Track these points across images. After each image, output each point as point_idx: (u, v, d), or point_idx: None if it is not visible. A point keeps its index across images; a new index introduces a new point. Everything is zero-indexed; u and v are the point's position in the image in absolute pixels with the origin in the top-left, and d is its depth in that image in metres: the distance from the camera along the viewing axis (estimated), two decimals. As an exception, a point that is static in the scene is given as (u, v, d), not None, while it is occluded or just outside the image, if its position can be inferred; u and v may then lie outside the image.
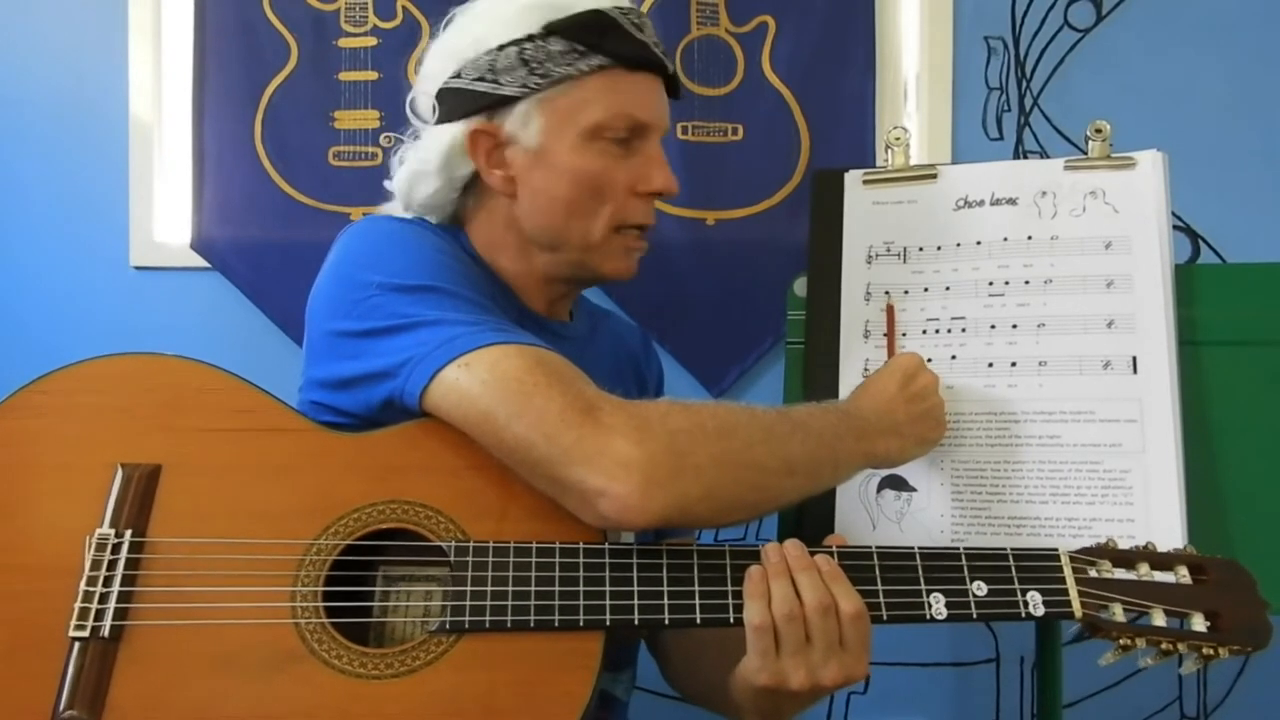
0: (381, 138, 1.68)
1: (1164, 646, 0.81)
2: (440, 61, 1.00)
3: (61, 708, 0.76)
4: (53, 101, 1.68)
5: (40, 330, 1.67)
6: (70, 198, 1.68)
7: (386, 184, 1.08)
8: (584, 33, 0.95)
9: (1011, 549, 0.86)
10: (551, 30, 0.95)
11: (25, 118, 1.68)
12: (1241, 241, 1.65)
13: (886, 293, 1.10)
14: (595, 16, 0.95)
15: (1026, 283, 1.07)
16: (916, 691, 1.69)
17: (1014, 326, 1.06)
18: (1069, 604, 0.83)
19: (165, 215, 1.68)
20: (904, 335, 1.09)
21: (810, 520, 1.03)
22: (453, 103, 0.99)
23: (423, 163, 1.01)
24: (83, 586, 0.79)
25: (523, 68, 0.95)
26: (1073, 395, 1.02)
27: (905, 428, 0.96)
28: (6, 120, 1.68)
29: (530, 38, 0.95)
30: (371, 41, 1.68)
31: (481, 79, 0.96)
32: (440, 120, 1.00)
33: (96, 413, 0.86)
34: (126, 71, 1.67)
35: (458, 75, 0.98)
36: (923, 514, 1.02)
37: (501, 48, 0.95)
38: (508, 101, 0.96)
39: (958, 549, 0.86)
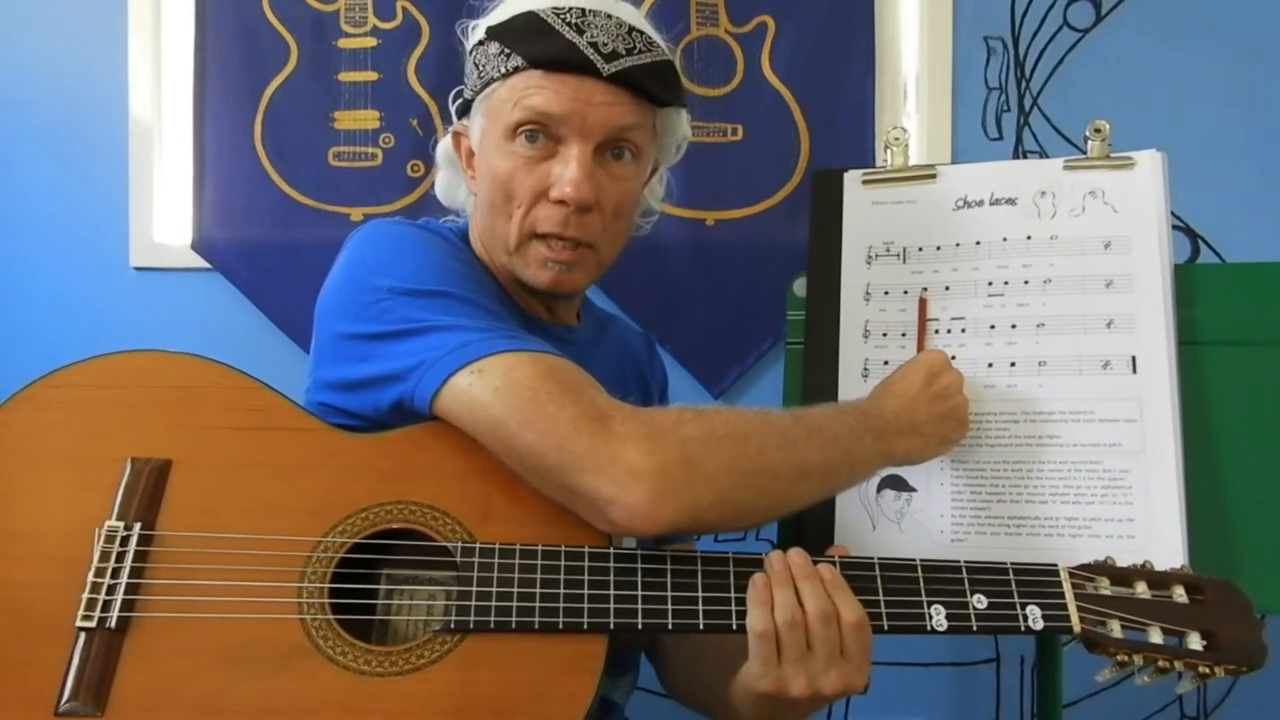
0: (381, 138, 1.68)
1: (1161, 664, 0.82)
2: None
3: (65, 698, 0.76)
4: (53, 102, 1.68)
5: (41, 331, 1.68)
6: (71, 198, 1.68)
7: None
8: (510, 35, 0.95)
9: (1012, 564, 0.86)
10: (490, 34, 0.97)
11: (26, 119, 1.68)
12: (1241, 241, 1.66)
13: (924, 288, 1.09)
14: (526, 19, 0.95)
15: (1026, 283, 1.07)
16: (916, 691, 1.70)
17: (1013, 326, 1.06)
18: (1068, 619, 0.84)
19: (165, 215, 1.68)
20: (904, 335, 1.09)
21: (810, 521, 1.03)
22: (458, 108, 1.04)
23: (438, 165, 1.07)
24: (90, 578, 0.80)
25: (475, 71, 0.98)
26: (1072, 395, 1.02)
27: (926, 427, 0.95)
28: (7, 121, 1.68)
29: (481, 43, 0.98)
30: (371, 42, 1.68)
31: (463, 85, 1.02)
32: None
33: (109, 407, 0.87)
34: (126, 72, 1.67)
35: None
36: (922, 514, 1.02)
37: (471, 53, 0.99)
38: (469, 105, 1.01)
39: (959, 562, 0.86)
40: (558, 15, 0.94)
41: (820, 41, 1.68)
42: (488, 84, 0.96)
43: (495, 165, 0.97)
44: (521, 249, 0.98)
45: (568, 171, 0.94)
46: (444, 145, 1.07)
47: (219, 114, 1.68)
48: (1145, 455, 0.98)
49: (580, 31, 0.93)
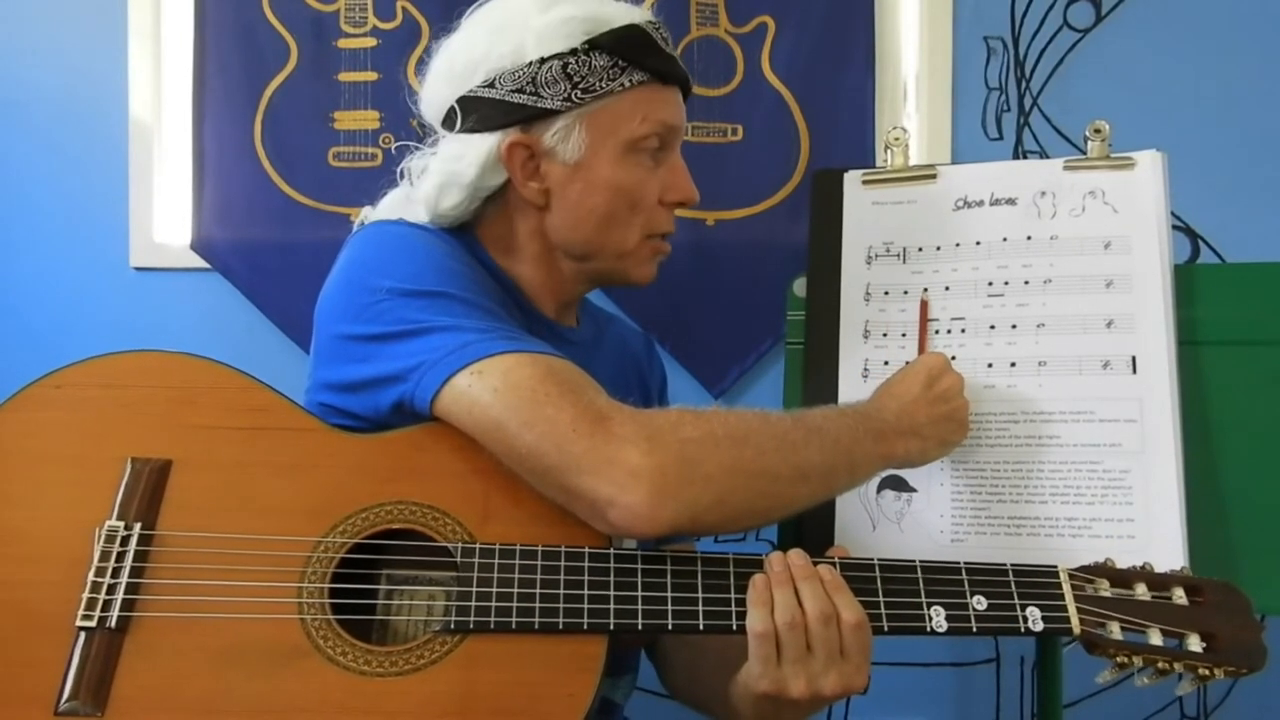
0: (381, 138, 1.68)
1: (1161, 666, 0.82)
2: (462, 68, 0.99)
3: (65, 697, 0.76)
4: (53, 102, 1.68)
5: (41, 331, 1.67)
6: (70, 199, 1.68)
7: (398, 191, 1.07)
8: (626, 48, 0.96)
9: (1012, 565, 0.86)
10: (594, 45, 0.95)
11: (26, 119, 1.68)
12: (1241, 241, 1.65)
13: (924, 289, 1.10)
14: (635, 32, 0.97)
15: (1026, 283, 1.07)
16: (916, 691, 1.70)
17: (1013, 327, 1.06)
18: (1068, 620, 0.84)
19: (165, 216, 1.68)
20: (904, 335, 1.09)
21: (810, 521, 1.03)
22: (486, 113, 0.97)
23: (455, 174, 0.99)
24: (90, 577, 0.80)
25: (565, 82, 0.95)
26: (1072, 395, 1.02)
27: (926, 429, 0.96)
28: (7, 121, 1.68)
29: (573, 52, 0.95)
30: (371, 42, 1.68)
31: (520, 91, 0.96)
32: (471, 130, 0.98)
33: (109, 407, 0.87)
34: (126, 72, 1.67)
35: (490, 85, 0.97)
36: (922, 514, 1.03)
37: (544, 61, 0.95)
38: (546, 114, 0.96)
39: (958, 563, 0.86)
40: (655, 29, 0.99)
41: (820, 41, 1.68)
42: (598, 96, 0.96)
43: (618, 177, 0.98)
44: (636, 250, 1.03)
45: (684, 177, 1.03)
46: (481, 153, 0.97)
47: (219, 114, 1.68)
48: (1145, 455, 0.98)
49: (668, 45, 1.01)
